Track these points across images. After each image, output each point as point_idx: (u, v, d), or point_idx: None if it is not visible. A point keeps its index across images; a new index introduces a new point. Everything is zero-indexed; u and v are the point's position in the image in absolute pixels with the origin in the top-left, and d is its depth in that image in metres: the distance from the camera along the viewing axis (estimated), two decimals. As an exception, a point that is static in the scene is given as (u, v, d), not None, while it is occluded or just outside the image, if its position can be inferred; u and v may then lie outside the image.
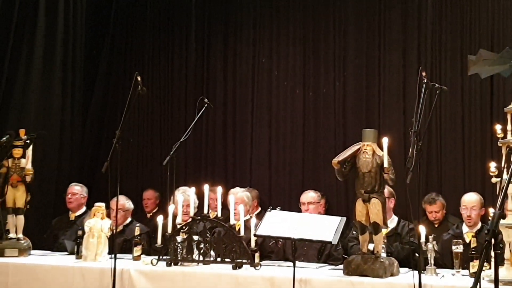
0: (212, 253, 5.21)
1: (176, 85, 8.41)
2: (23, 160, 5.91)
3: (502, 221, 4.13)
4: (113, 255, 4.98)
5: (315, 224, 4.86)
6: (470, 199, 5.99)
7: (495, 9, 6.89)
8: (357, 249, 5.16)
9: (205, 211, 5.40)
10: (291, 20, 7.88)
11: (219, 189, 5.53)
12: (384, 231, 5.15)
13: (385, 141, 4.70)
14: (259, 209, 7.16)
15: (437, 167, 7.01)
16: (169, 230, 5.36)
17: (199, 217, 5.40)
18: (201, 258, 5.21)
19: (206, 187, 5.46)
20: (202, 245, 5.22)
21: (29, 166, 5.91)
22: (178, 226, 5.37)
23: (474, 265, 4.64)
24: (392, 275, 4.72)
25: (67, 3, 7.91)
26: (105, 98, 8.59)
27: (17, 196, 5.88)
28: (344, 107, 7.52)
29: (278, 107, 7.86)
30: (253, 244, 5.13)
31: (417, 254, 4.47)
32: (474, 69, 5.04)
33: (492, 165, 4.74)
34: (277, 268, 5.18)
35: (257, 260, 5.11)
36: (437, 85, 4.60)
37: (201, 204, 5.59)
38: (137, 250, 5.65)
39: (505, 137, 4.77)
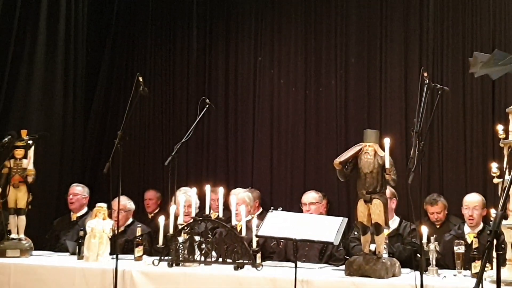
0: (213, 253, 5.21)
1: (178, 86, 8.41)
2: (24, 161, 5.92)
3: (504, 222, 4.15)
4: (114, 256, 4.99)
5: (317, 224, 4.86)
6: (472, 199, 6.00)
7: (497, 9, 6.88)
8: (358, 250, 5.16)
9: (207, 212, 5.40)
10: (293, 20, 7.88)
11: (221, 190, 5.53)
12: (386, 231, 5.15)
13: (386, 141, 4.69)
14: (261, 209, 7.16)
15: (439, 167, 7.00)
16: (171, 230, 5.35)
17: (201, 218, 5.40)
18: (202, 258, 5.21)
19: (207, 188, 5.45)
20: (203, 246, 5.21)
21: (30, 166, 5.92)
22: (180, 227, 5.37)
23: (476, 266, 4.64)
24: (393, 275, 4.72)
25: (69, 4, 7.91)
26: (107, 98, 8.59)
27: (19, 196, 5.89)
28: (345, 108, 7.51)
29: (279, 107, 7.86)
30: (254, 244, 5.13)
31: (418, 255, 4.46)
32: (472, 68, 5.03)
33: (494, 166, 4.73)
34: (279, 269, 5.18)
35: (258, 260, 5.10)
36: (438, 85, 4.59)
37: (203, 204, 5.58)
38: (138, 251, 5.65)
39: (507, 137, 4.77)
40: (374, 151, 4.79)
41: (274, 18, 8.00)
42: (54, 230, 6.95)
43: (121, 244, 6.16)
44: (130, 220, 6.73)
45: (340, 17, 7.65)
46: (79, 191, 6.92)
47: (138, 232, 5.83)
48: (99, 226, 5.61)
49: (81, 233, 5.76)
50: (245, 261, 5.07)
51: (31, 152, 5.94)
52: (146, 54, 8.59)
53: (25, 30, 7.53)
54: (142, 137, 8.47)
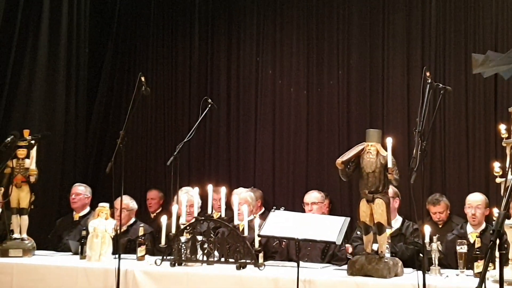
0: (216, 253, 5.21)
1: (180, 86, 8.42)
2: (27, 161, 5.92)
3: (507, 221, 4.15)
4: (117, 255, 4.99)
5: (319, 224, 4.86)
6: (475, 198, 6.01)
7: (499, 9, 6.88)
8: (361, 250, 5.15)
9: (209, 211, 5.40)
10: (295, 20, 7.88)
11: (223, 189, 5.53)
12: (388, 231, 5.14)
13: (389, 141, 4.69)
14: (263, 209, 7.16)
15: (441, 167, 7.00)
16: (173, 230, 5.35)
17: (203, 218, 5.40)
18: (205, 258, 5.21)
19: (209, 187, 5.45)
20: (206, 246, 5.21)
21: (33, 166, 5.92)
22: (182, 226, 5.37)
23: (479, 265, 4.63)
24: (396, 275, 4.71)
25: (71, 4, 7.92)
26: (109, 98, 8.59)
27: (21, 196, 5.88)
28: (347, 107, 7.51)
29: (281, 107, 7.86)
30: (257, 244, 5.13)
31: (421, 255, 4.46)
32: (479, 69, 5.03)
33: (496, 165, 4.73)
34: (281, 269, 5.17)
35: (261, 260, 5.10)
36: (441, 85, 4.59)
37: (205, 204, 5.58)
38: (141, 250, 5.65)
39: (509, 137, 4.77)
40: (376, 150, 4.78)
41: (276, 18, 8.00)
42: (56, 230, 6.96)
43: (123, 244, 6.16)
44: (133, 219, 6.73)
45: (342, 17, 7.65)
46: (81, 191, 6.92)
47: (141, 231, 5.83)
48: (102, 226, 5.61)
49: (84, 232, 5.77)
50: (247, 261, 5.07)
51: (33, 152, 5.94)
52: (148, 54, 8.60)
53: (27, 31, 7.54)
54: (144, 137, 8.48)
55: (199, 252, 5.23)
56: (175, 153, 5.88)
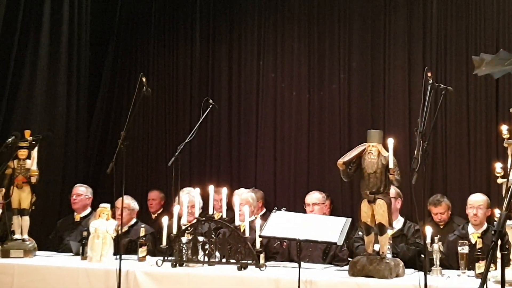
0: (217, 254, 5.21)
1: (181, 86, 8.41)
2: (28, 161, 5.92)
3: (508, 222, 4.14)
4: (118, 256, 4.99)
5: (320, 225, 4.86)
6: (477, 199, 6.01)
7: (500, 9, 6.88)
8: (362, 250, 5.15)
9: (210, 212, 5.40)
10: (296, 21, 7.88)
11: (224, 190, 5.53)
12: (390, 232, 5.14)
13: (390, 141, 4.69)
14: (264, 210, 7.15)
15: (442, 168, 6.99)
16: (174, 231, 5.35)
17: (204, 218, 5.40)
18: (206, 259, 5.21)
19: (211, 188, 5.45)
20: (207, 246, 5.21)
21: (34, 167, 5.92)
22: (183, 227, 5.37)
23: (480, 266, 4.63)
24: (397, 276, 4.71)
25: (72, 6, 7.92)
26: (110, 99, 8.59)
27: (22, 197, 5.89)
28: (349, 108, 7.51)
29: (283, 107, 7.86)
30: (258, 245, 5.13)
31: (422, 255, 4.46)
32: (480, 70, 5.02)
33: (498, 166, 4.73)
34: (282, 269, 5.17)
35: (262, 261, 5.11)
36: (442, 85, 4.59)
37: (206, 205, 5.58)
38: (142, 251, 5.65)
39: (510, 137, 4.76)
40: (377, 151, 4.79)
41: (277, 20, 7.99)
42: (57, 230, 6.96)
43: (124, 245, 6.16)
44: (134, 220, 6.73)
45: (343, 18, 7.64)
46: (82, 191, 6.92)
47: (142, 232, 5.83)
48: (103, 227, 5.62)
49: (85, 233, 5.77)
50: (248, 262, 5.07)
51: (34, 153, 5.94)
52: (149, 55, 8.60)
53: (28, 32, 7.54)
54: (145, 137, 8.47)
55: (200, 252, 5.23)
56: (176, 153, 5.88)
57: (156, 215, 7.48)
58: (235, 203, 5.46)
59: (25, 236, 5.89)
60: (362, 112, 7.43)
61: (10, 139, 5.87)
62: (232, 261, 5.13)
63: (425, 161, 4.23)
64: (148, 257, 5.66)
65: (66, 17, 7.84)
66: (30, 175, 5.89)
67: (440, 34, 7.14)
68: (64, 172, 7.77)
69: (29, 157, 5.93)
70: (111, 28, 8.69)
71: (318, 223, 4.89)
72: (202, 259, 5.22)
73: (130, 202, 6.62)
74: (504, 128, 4.81)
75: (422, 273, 4.20)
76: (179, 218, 5.44)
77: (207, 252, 5.21)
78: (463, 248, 4.95)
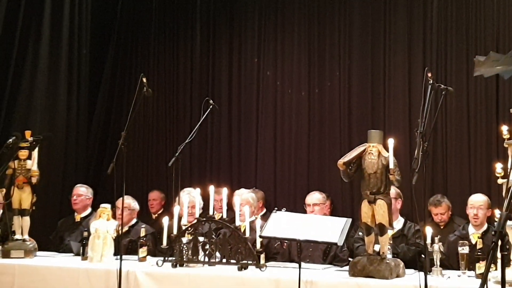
0: (217, 254, 5.21)
1: (181, 86, 8.41)
2: (29, 162, 5.92)
3: (509, 223, 4.13)
4: (118, 257, 4.99)
5: (321, 225, 4.86)
6: (478, 199, 6.00)
7: (501, 10, 6.87)
8: (362, 250, 5.15)
9: (211, 212, 5.40)
10: (296, 22, 7.87)
11: (224, 190, 5.53)
12: (390, 232, 5.14)
13: (390, 142, 4.69)
14: (264, 210, 7.15)
15: (443, 168, 6.99)
16: (175, 231, 5.36)
17: (205, 219, 5.40)
18: (206, 259, 5.21)
19: (211, 188, 5.46)
20: (207, 246, 5.22)
21: (35, 167, 5.92)
22: (184, 227, 5.37)
23: (480, 266, 4.63)
24: (398, 276, 4.72)
25: (72, 6, 7.93)
26: (111, 99, 8.60)
27: (23, 197, 5.89)
28: (349, 108, 7.50)
29: (283, 108, 7.85)
30: (258, 245, 5.13)
31: (423, 256, 4.46)
32: (480, 70, 5.03)
33: (498, 166, 4.73)
34: (283, 270, 5.18)
35: (262, 261, 5.11)
36: (442, 86, 4.59)
37: (206, 205, 5.59)
38: (142, 251, 5.65)
39: (511, 138, 4.76)
40: (378, 151, 4.79)
41: (278, 20, 7.99)
42: (58, 231, 6.96)
43: (125, 245, 6.16)
44: (134, 220, 6.73)
45: (343, 18, 7.64)
46: (83, 192, 6.93)
47: (142, 232, 5.84)
48: (103, 227, 5.62)
49: (85, 234, 5.78)
50: (249, 262, 5.08)
51: (35, 153, 5.94)
52: (150, 55, 8.60)
53: (28, 32, 7.54)
54: (145, 138, 8.47)
55: (201, 253, 5.23)
56: (177, 154, 5.88)
57: (156, 215, 7.48)
58: (235, 204, 5.47)
59: (26, 236, 5.89)
60: (362, 112, 7.43)
61: (10, 140, 5.87)
62: (232, 261, 5.14)
63: (426, 161, 4.24)
64: (148, 257, 5.66)
65: (67, 17, 7.84)
66: (31, 175, 5.90)
67: (440, 34, 7.14)
68: (65, 172, 7.77)
69: (29, 157, 5.93)
70: (111, 28, 8.69)
71: (318, 224, 4.89)
72: (202, 260, 5.22)
73: (130, 202, 6.62)
74: (504, 129, 4.81)
75: (422, 273, 4.20)
76: (180, 218, 5.44)
77: (207, 252, 5.21)
78: (463, 249, 4.95)
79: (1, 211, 6.25)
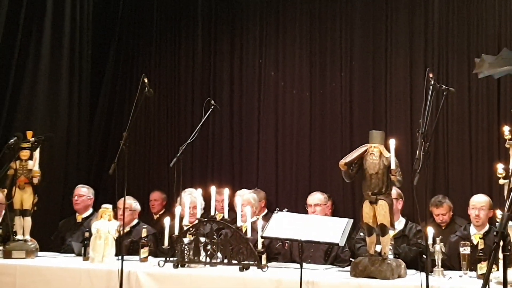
0: (219, 254, 5.21)
1: (183, 87, 8.42)
2: (30, 162, 5.92)
3: (510, 223, 4.13)
4: (120, 257, 4.99)
5: (322, 225, 4.85)
6: (480, 199, 6.00)
7: (502, 10, 6.87)
8: (364, 251, 5.15)
9: (212, 213, 5.40)
10: (297, 22, 7.88)
11: (226, 191, 5.53)
12: (392, 232, 5.14)
13: (392, 142, 4.69)
14: (266, 210, 7.16)
15: (444, 168, 6.99)
16: (176, 231, 5.36)
17: (206, 219, 5.40)
18: (208, 260, 5.21)
19: (212, 189, 5.45)
20: (209, 247, 5.21)
21: (36, 168, 5.92)
22: (185, 228, 5.37)
23: (482, 267, 4.63)
24: (399, 277, 4.71)
25: (74, 6, 7.94)
26: (112, 100, 8.61)
27: (24, 198, 5.89)
28: (351, 109, 7.51)
29: (284, 108, 7.86)
30: (260, 245, 5.13)
31: (424, 256, 4.46)
32: (481, 71, 5.03)
33: (500, 167, 4.72)
34: (284, 270, 5.17)
35: (264, 262, 5.10)
36: (444, 86, 4.58)
37: (208, 205, 5.58)
38: (144, 252, 5.65)
39: (512, 138, 4.75)
40: (379, 152, 4.78)
41: (279, 20, 8.00)
42: (59, 231, 6.97)
43: (126, 245, 6.16)
44: (136, 221, 6.73)
45: (345, 19, 7.65)
46: (84, 192, 6.93)
47: (144, 233, 5.84)
48: (105, 228, 5.62)
49: (87, 234, 5.77)
50: (250, 262, 5.07)
51: (36, 154, 5.94)
52: (151, 56, 8.60)
53: (30, 32, 7.55)
54: (147, 138, 8.48)
55: (202, 253, 5.23)
56: (178, 154, 5.88)
57: (158, 215, 7.49)
58: (237, 204, 5.46)
59: (27, 236, 5.89)
60: (364, 112, 7.43)
61: (12, 140, 5.87)
62: (234, 262, 5.13)
63: (427, 162, 4.23)
64: (150, 257, 5.66)
65: (68, 17, 7.85)
66: (32, 176, 5.90)
67: (441, 35, 7.14)
68: (66, 173, 7.78)
69: (31, 158, 5.93)
70: (113, 29, 8.70)
71: (319, 224, 4.89)
72: (204, 260, 5.22)
73: (132, 202, 6.62)
74: (506, 129, 4.79)
75: (424, 274, 4.19)
76: (181, 219, 5.44)
77: (209, 253, 5.21)
78: (465, 249, 4.95)
79: (3, 211, 6.25)
